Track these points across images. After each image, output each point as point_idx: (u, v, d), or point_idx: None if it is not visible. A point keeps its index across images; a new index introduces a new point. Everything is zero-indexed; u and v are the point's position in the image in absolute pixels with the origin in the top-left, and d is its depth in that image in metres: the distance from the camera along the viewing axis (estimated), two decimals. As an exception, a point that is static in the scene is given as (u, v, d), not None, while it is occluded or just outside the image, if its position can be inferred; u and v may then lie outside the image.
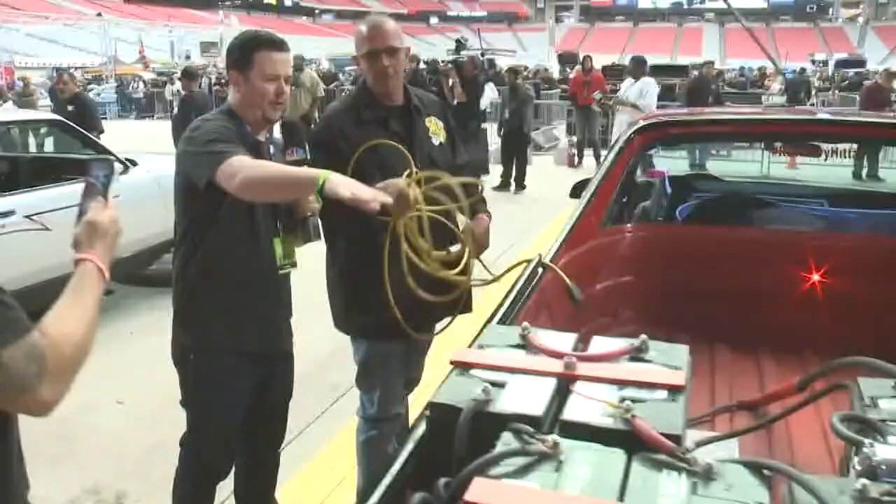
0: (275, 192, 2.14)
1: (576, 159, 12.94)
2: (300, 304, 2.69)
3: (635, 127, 2.91)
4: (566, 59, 29.72)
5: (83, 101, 8.63)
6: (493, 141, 11.73)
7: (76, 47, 39.89)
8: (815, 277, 2.77)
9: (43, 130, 6.61)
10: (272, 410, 2.58)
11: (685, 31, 69.09)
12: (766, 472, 1.04)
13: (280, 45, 2.40)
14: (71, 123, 6.17)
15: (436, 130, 2.75)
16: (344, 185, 1.89)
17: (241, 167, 2.04)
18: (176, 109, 12.07)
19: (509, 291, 2.12)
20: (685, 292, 2.90)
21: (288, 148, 2.42)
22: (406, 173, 2.22)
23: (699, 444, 1.62)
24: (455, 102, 10.18)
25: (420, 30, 74.69)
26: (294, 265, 2.53)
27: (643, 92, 9.31)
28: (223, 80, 18.06)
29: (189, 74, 10.09)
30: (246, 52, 2.32)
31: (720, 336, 2.84)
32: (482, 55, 13.18)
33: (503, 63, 29.94)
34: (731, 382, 2.56)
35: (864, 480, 0.99)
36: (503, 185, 10.45)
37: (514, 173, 10.54)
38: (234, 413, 2.46)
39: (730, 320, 2.80)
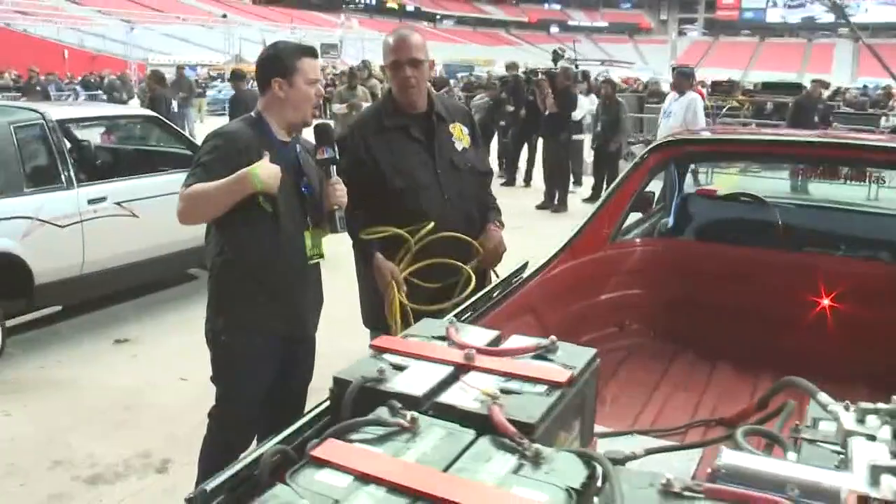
0: (209, 208, 2.45)
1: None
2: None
3: (652, 145, 2.96)
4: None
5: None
6: (589, 153, 11.71)
7: (205, 46, 42.28)
8: (826, 302, 2.74)
9: (138, 125, 7.15)
10: (292, 392, 2.76)
11: (814, 48, 65.92)
12: (595, 463, 1.14)
13: (316, 53, 2.67)
14: (163, 119, 6.67)
15: (459, 136, 2.90)
16: (265, 174, 2.37)
17: (182, 198, 2.41)
18: (228, 108, 12.72)
19: (488, 293, 2.23)
20: (693, 309, 2.92)
21: (319, 147, 2.61)
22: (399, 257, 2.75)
23: (649, 452, 1.72)
24: (546, 113, 10.27)
25: (541, 38, 74.58)
26: (322, 256, 2.74)
27: (689, 108, 8.55)
28: (339, 81, 18.73)
29: (237, 76, 10.85)
30: (290, 59, 2.55)
31: (725, 354, 2.85)
32: (576, 66, 13.12)
33: (613, 75, 29.61)
34: (721, 399, 2.57)
35: (671, 476, 1.08)
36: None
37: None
38: (256, 391, 2.66)
39: (735, 340, 2.81)
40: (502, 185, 12.05)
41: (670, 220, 3.34)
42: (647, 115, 16.87)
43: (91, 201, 5.07)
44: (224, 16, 34.45)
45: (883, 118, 16.24)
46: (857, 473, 1.18)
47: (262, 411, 2.69)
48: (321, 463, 1.13)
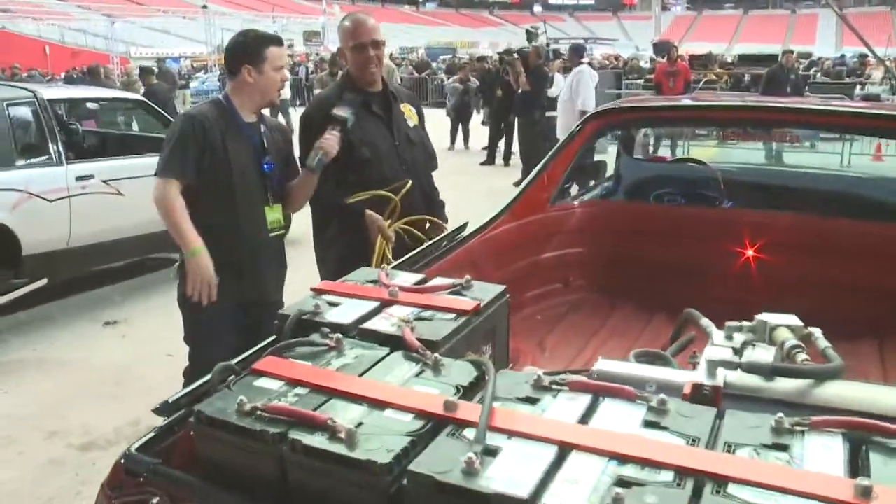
0: (167, 226, 2.78)
1: (650, 149, 12.96)
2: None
3: (588, 114, 3.21)
4: (661, 49, 29.15)
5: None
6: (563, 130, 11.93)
7: (187, 38, 42.26)
8: (750, 253, 2.99)
9: (129, 108, 7.45)
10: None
11: (798, 19, 65.99)
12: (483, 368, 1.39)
13: (282, 42, 2.95)
14: (151, 104, 6.92)
15: (409, 115, 3.17)
16: (193, 272, 2.73)
17: (162, 195, 2.73)
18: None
19: (428, 248, 2.47)
20: (632, 265, 3.18)
21: (340, 106, 2.88)
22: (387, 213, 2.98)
23: (548, 374, 1.97)
24: (519, 91, 10.47)
25: (524, 18, 74.36)
26: (283, 228, 3.00)
27: (574, 80, 8.81)
28: (320, 68, 18.94)
29: (146, 72, 11.96)
30: (259, 48, 2.82)
31: (661, 305, 3.09)
32: (547, 45, 13.35)
33: (596, 53, 29.71)
34: (653, 343, 2.82)
35: (540, 373, 1.34)
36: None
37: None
38: (222, 351, 2.89)
39: (670, 292, 3.06)
40: (482, 164, 12.29)
41: (611, 185, 3.60)
42: (626, 91, 17.14)
43: (79, 178, 5.32)
44: (204, 6, 34.42)
45: (858, 87, 16.49)
46: (699, 370, 1.44)
47: None
48: (260, 373, 1.39)
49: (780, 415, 1.19)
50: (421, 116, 3.23)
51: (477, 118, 15.34)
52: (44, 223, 5.13)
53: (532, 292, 3.07)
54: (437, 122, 15.21)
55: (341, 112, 2.83)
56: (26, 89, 5.58)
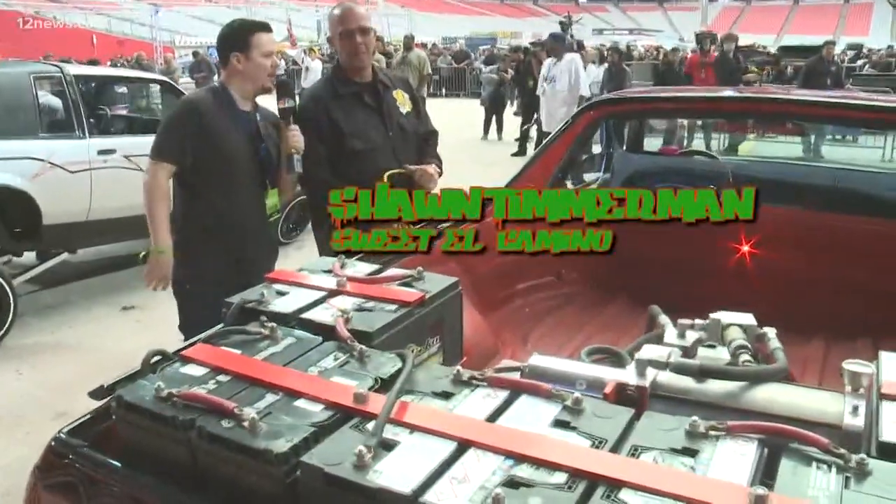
0: (146, 212, 2.83)
1: (685, 141, 12.75)
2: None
3: (588, 102, 3.16)
4: (703, 39, 28.62)
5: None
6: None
7: (231, 26, 42.65)
8: (745, 248, 2.92)
9: (153, 88, 7.75)
10: None
11: (851, 9, 64.14)
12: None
13: (269, 28, 2.97)
14: (175, 84, 7.07)
15: (402, 101, 3.15)
16: (154, 267, 2.86)
17: (151, 181, 2.80)
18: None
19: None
20: (628, 259, 3.11)
21: (280, 98, 2.92)
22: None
23: (498, 370, 1.95)
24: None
25: (568, 9, 73.65)
26: (278, 213, 3.05)
27: (570, 70, 8.61)
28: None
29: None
30: (246, 35, 2.86)
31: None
32: (571, 36, 13.21)
33: (639, 44, 29.25)
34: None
35: (461, 368, 1.32)
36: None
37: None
38: None
39: (665, 287, 3.00)
40: (513, 154, 12.22)
41: (608, 176, 3.54)
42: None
43: (101, 152, 5.44)
44: (246, -5, 35.00)
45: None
46: (629, 369, 1.41)
47: None
48: (187, 360, 1.40)
49: (695, 418, 1.15)
50: (415, 102, 3.20)
51: (511, 108, 15.26)
52: (64, 194, 5.25)
53: (523, 284, 3.04)
54: (472, 112, 15.28)
55: (284, 104, 2.88)
56: (54, 65, 5.76)
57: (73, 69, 5.77)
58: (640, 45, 30.66)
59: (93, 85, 6.68)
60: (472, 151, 12.18)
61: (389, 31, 33.50)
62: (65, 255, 5.59)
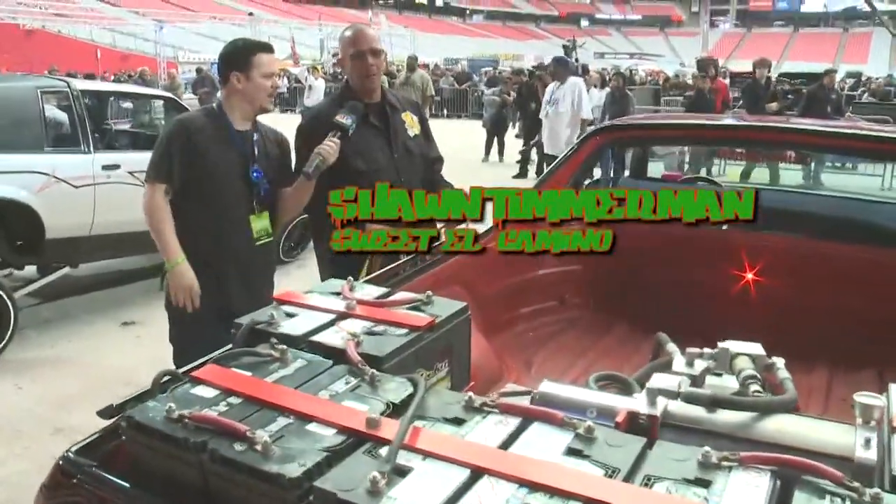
0: (152, 234, 2.83)
1: (685, 166, 12.81)
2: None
3: (594, 128, 3.18)
4: (704, 66, 28.86)
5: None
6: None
7: (235, 44, 42.97)
8: (749, 276, 2.93)
9: (157, 104, 7.85)
10: None
11: (850, 38, 64.70)
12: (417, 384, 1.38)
13: (271, 49, 2.94)
14: (178, 100, 7.11)
15: (411, 124, 3.16)
16: (175, 282, 2.80)
17: (150, 202, 2.79)
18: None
19: (412, 259, 2.46)
20: (631, 284, 3.13)
21: (343, 114, 2.83)
22: None
23: (503, 395, 1.95)
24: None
25: (570, 32, 74.18)
26: (270, 237, 3.00)
27: (573, 93, 8.62)
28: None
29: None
30: (246, 55, 2.84)
31: (659, 327, 3.04)
32: (576, 60, 13.30)
33: (641, 69, 29.47)
34: (641, 366, 2.78)
35: (473, 395, 1.32)
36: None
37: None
38: (206, 354, 2.93)
39: (669, 313, 3.01)
40: (514, 177, 12.26)
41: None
42: (664, 108, 16.99)
43: (105, 167, 5.45)
44: (250, 13, 35.15)
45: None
46: (640, 397, 1.41)
47: None
48: (198, 381, 1.39)
49: (708, 448, 1.15)
50: (423, 123, 3.21)
51: (512, 131, 15.34)
52: (68, 208, 5.24)
53: (526, 308, 3.05)
54: (473, 134, 15.35)
55: (343, 119, 2.79)
56: (61, 80, 5.80)
57: (80, 84, 5.81)
58: (641, 69, 30.88)
59: (97, 100, 6.71)
60: (474, 173, 12.22)
61: (392, 51, 33.70)
62: (66, 269, 5.58)
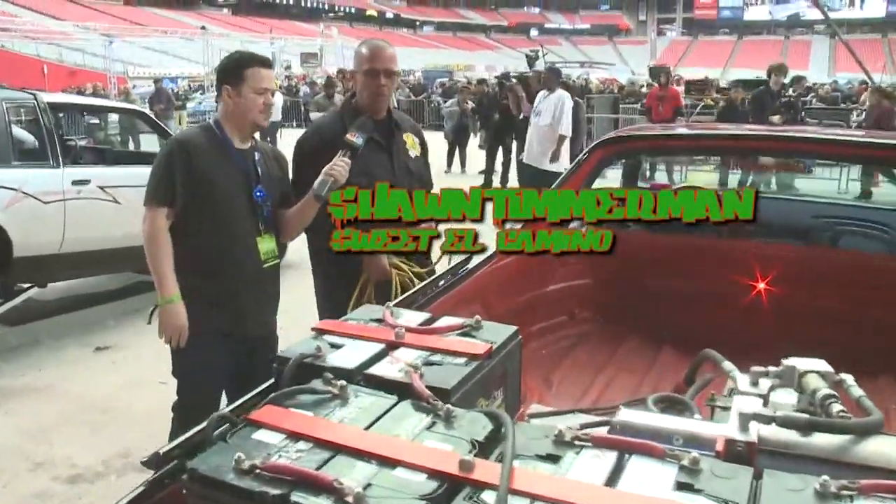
0: (149, 264, 2.69)
1: (647, 173, 12.91)
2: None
3: (598, 140, 3.15)
4: (657, 73, 29.35)
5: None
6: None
7: (185, 58, 42.37)
8: (761, 286, 2.91)
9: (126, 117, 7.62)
10: (251, 388, 2.92)
11: (792, 45, 66.57)
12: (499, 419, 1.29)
13: (267, 63, 2.81)
14: (149, 114, 6.93)
15: (412, 145, 3.08)
16: (166, 319, 2.66)
17: (150, 229, 2.66)
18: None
19: (433, 282, 2.38)
20: (640, 296, 3.09)
21: (353, 132, 2.71)
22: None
23: (583, 427, 1.86)
24: (521, 116, 10.41)
25: (520, 42, 74.85)
26: (276, 258, 2.87)
27: (556, 106, 8.41)
28: (313, 91, 19.01)
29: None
30: (239, 69, 2.71)
31: (670, 338, 3.01)
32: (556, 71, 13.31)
33: (592, 77, 29.85)
34: (662, 379, 2.73)
35: (563, 427, 1.24)
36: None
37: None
38: (211, 384, 2.77)
39: (680, 324, 2.97)
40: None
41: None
42: (623, 116, 17.17)
43: (75, 182, 5.24)
44: (203, 28, 34.59)
45: (854, 113, 16.48)
46: (731, 423, 1.34)
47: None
48: (258, 424, 1.28)
49: (826, 478, 1.09)
50: (423, 146, 3.14)
51: (474, 141, 15.31)
52: (37, 225, 5.04)
53: (537, 325, 2.98)
54: (434, 145, 15.29)
55: (355, 138, 2.67)
56: (28, 92, 5.58)
57: (48, 97, 5.58)
58: (593, 77, 31.19)
59: (60, 114, 6.48)
60: (437, 185, 12.11)
61: (345, 63, 33.50)
62: (33, 291, 5.35)
